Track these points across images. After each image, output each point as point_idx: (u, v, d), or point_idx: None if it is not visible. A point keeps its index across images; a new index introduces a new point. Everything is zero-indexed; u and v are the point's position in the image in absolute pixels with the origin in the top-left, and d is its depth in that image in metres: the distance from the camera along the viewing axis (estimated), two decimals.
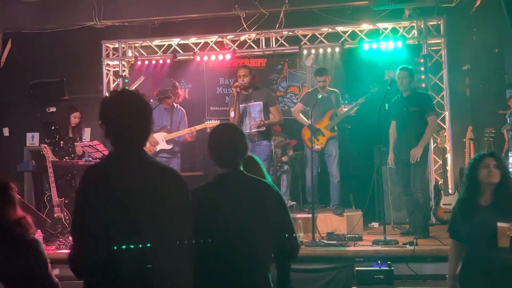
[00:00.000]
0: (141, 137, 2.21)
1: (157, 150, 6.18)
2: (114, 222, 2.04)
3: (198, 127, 6.20)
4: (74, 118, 6.75)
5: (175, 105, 6.36)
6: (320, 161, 6.43)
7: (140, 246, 2.03)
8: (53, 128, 6.80)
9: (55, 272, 3.30)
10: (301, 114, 6.61)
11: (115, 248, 2.02)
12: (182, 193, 2.19)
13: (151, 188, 2.11)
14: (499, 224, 3.16)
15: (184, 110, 6.42)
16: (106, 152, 6.01)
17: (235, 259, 2.43)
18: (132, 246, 2.03)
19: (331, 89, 6.51)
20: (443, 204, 6.25)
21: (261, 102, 6.02)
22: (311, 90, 6.80)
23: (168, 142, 6.20)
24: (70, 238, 2.49)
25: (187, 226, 2.16)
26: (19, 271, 2.83)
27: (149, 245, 2.03)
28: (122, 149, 2.18)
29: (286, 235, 2.55)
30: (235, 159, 2.58)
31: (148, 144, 6.18)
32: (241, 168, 2.59)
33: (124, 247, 2.02)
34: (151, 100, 6.57)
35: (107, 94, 7.79)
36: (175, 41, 7.69)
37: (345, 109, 6.58)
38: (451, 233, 3.43)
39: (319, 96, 6.03)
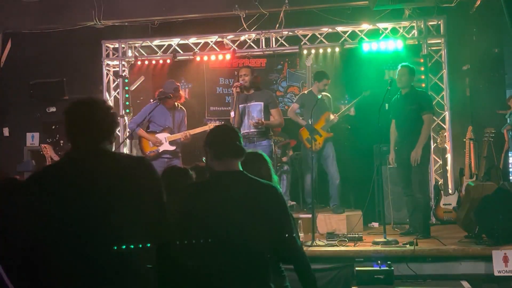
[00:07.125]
0: (102, 135, 2.13)
1: (160, 151, 6.20)
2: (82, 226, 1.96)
3: (194, 130, 6.21)
4: None
5: (176, 105, 6.37)
6: (317, 163, 6.43)
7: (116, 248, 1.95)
8: (53, 127, 6.83)
9: None
10: (297, 115, 6.63)
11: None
12: (155, 181, 2.12)
13: (118, 181, 2.02)
14: None
15: (185, 110, 6.45)
16: None
17: (229, 260, 2.38)
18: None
19: (324, 93, 6.52)
20: (443, 204, 6.24)
21: (262, 103, 6.01)
22: (306, 92, 6.81)
23: (171, 143, 6.21)
24: None
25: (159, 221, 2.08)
26: None
27: (124, 246, 1.96)
28: (83, 147, 2.10)
29: (286, 235, 2.50)
30: (235, 156, 2.54)
31: (151, 144, 6.20)
32: (241, 168, 2.56)
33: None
34: (151, 100, 6.60)
35: (107, 94, 7.81)
36: (175, 41, 7.68)
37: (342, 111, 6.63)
38: None
39: (319, 97, 6.07)
